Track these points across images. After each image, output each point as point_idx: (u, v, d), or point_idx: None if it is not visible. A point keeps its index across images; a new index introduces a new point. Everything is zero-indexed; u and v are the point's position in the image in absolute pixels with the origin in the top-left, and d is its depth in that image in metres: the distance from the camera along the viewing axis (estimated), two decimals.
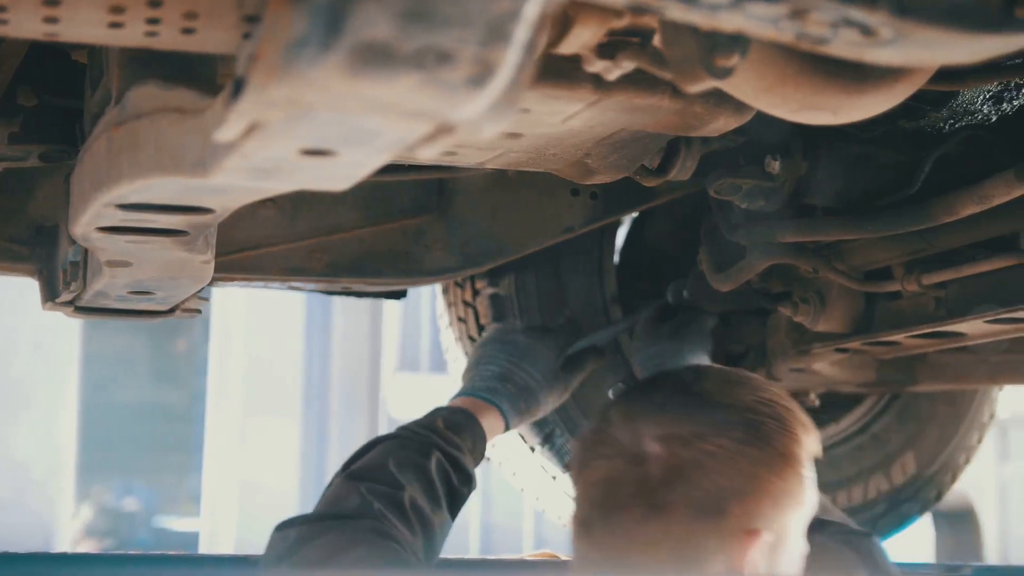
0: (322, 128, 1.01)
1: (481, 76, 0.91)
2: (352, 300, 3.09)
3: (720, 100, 1.51)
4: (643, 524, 1.70)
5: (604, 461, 1.76)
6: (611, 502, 1.74)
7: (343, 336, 8.92)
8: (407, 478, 2.02)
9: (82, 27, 1.13)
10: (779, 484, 1.75)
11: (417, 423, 2.17)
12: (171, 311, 2.07)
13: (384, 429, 8.88)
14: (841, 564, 1.98)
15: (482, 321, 2.91)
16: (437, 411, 2.23)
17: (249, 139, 1.05)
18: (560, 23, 1.23)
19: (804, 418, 1.86)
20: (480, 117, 0.97)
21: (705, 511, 1.70)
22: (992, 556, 8.61)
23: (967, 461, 3.41)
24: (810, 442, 1.84)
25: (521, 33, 0.91)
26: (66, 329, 8.51)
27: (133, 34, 1.15)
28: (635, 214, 3.05)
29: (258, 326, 8.76)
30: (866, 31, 1.03)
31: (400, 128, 1.00)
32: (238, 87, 0.98)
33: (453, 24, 0.87)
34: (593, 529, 1.76)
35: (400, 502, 1.97)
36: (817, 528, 2.02)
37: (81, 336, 8.87)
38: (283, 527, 1.96)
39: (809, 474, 1.82)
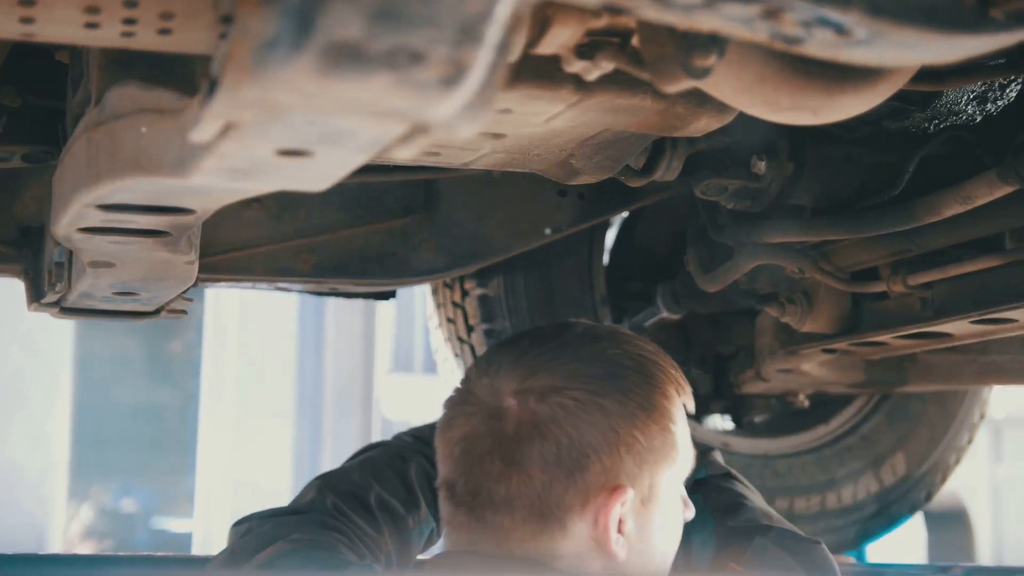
0: (297, 128, 1.01)
1: (454, 76, 0.91)
2: (345, 301, 3.09)
3: (702, 100, 1.51)
4: (502, 481, 1.66)
5: (464, 419, 1.72)
6: (470, 460, 1.69)
7: (336, 337, 8.91)
8: (377, 478, 2.00)
9: (58, 27, 1.13)
10: (641, 439, 1.69)
11: (407, 431, 2.16)
12: (157, 312, 2.08)
13: (377, 430, 8.88)
14: (780, 567, 1.93)
15: (471, 322, 2.91)
16: (432, 422, 2.23)
17: (225, 140, 1.05)
18: (538, 23, 1.23)
19: (677, 375, 1.79)
20: (455, 117, 0.97)
21: (563, 466, 1.65)
22: (985, 556, 8.60)
23: (957, 461, 3.41)
24: (682, 398, 1.78)
25: (493, 34, 0.91)
26: (60, 330, 8.51)
27: (109, 34, 1.15)
28: (625, 214, 3.05)
29: (251, 327, 8.74)
30: (840, 31, 1.03)
31: (375, 128, 1.00)
32: (212, 88, 0.98)
33: (424, 24, 0.87)
34: (456, 490, 1.72)
35: (365, 500, 1.96)
36: (761, 532, 1.98)
37: (75, 337, 8.86)
38: (239, 522, 1.96)
39: (680, 431, 1.76)
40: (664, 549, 1.77)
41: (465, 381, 1.78)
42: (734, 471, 2.19)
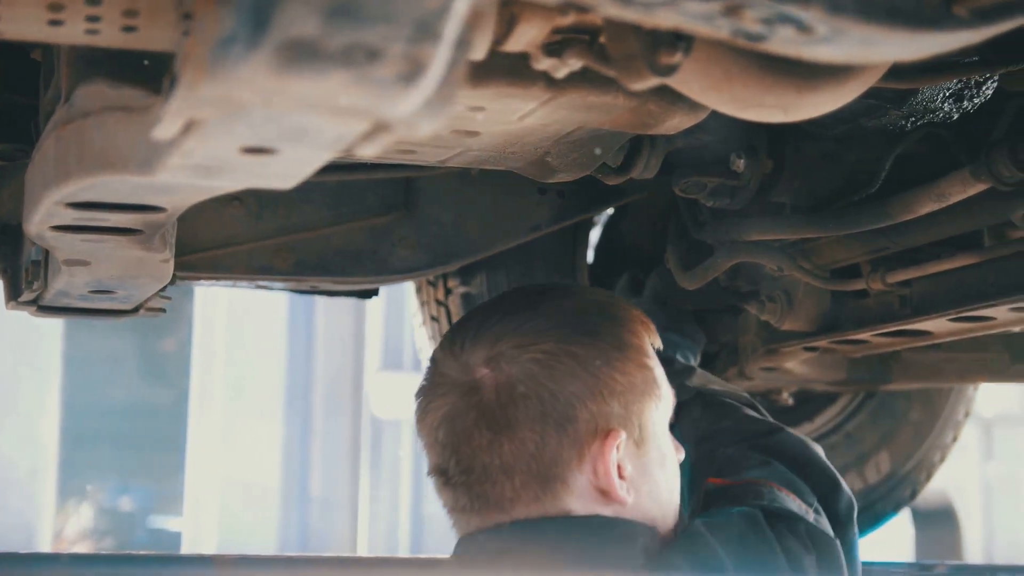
0: (258, 126, 1.01)
1: (412, 73, 0.91)
2: (335, 300, 3.09)
3: (675, 98, 1.51)
4: (494, 451, 1.65)
5: (440, 400, 1.70)
6: (456, 438, 1.68)
7: (326, 335, 8.90)
8: None
9: (22, 24, 1.13)
10: (620, 379, 1.68)
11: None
12: (135, 310, 2.07)
13: (367, 428, 8.87)
14: (748, 466, 1.93)
15: (454, 320, 2.91)
16: None
17: (188, 137, 1.05)
18: (505, 21, 1.23)
19: (639, 314, 1.78)
20: (415, 115, 0.97)
21: (551, 421, 1.64)
22: (976, 555, 8.61)
23: (942, 460, 3.42)
24: (649, 334, 1.77)
25: (452, 30, 0.91)
26: (50, 328, 8.51)
27: (74, 32, 1.15)
28: (610, 212, 3.05)
29: (241, 326, 8.74)
30: (802, 28, 1.03)
31: (336, 126, 1.00)
32: (172, 85, 0.98)
33: (380, 21, 0.87)
34: (449, 473, 1.70)
35: None
36: (724, 443, 2.00)
37: (64, 335, 8.86)
38: None
39: (657, 367, 1.75)
40: (670, 486, 1.76)
41: (432, 365, 1.76)
42: (706, 385, 2.21)
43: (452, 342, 1.75)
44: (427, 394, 1.75)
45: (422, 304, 3.05)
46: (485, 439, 1.66)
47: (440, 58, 0.91)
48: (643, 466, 1.71)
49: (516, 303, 1.76)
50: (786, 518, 1.79)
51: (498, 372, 1.67)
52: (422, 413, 1.75)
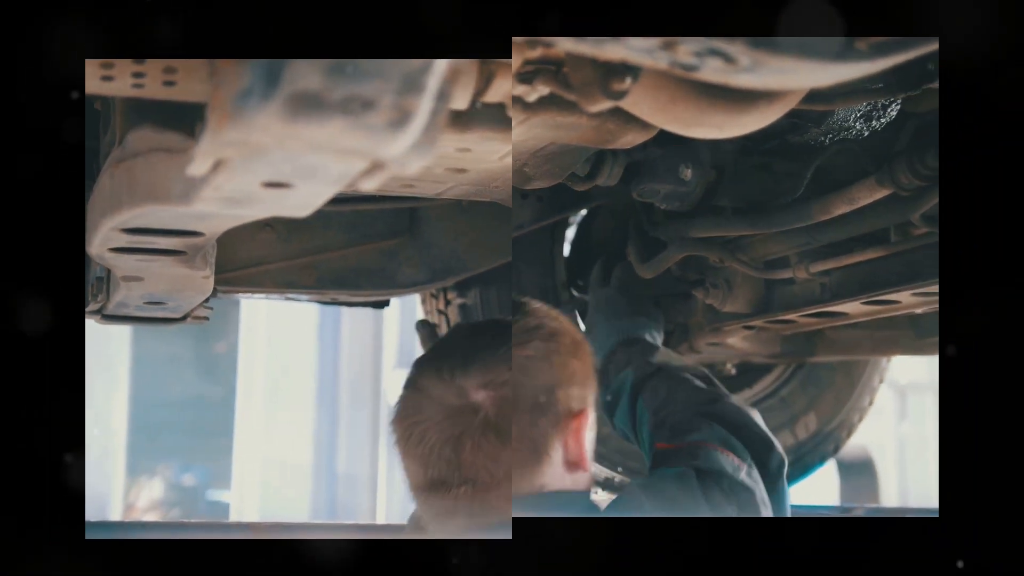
0: (275, 164, 1.01)
1: (400, 120, 0.91)
2: (357, 309, 3.08)
3: (628, 118, 1.48)
4: (502, 454, 1.59)
5: (435, 424, 1.60)
6: (461, 453, 1.58)
7: (350, 340, 8.87)
8: None
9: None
10: (580, 367, 1.73)
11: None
12: (183, 318, 2.07)
13: (384, 418, 8.86)
14: (692, 428, 1.95)
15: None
16: None
17: (217, 174, 1.05)
18: (484, 77, 1.22)
19: (573, 323, 1.84)
20: (405, 155, 0.97)
21: (538, 410, 1.66)
22: (892, 500, 8.62)
23: (860, 420, 3.41)
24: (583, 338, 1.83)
25: (433, 84, 0.91)
26: (120, 334, 8.50)
27: (122, 86, 1.14)
28: (584, 213, 3.02)
29: (279, 332, 8.74)
30: (728, 60, 1.03)
31: (340, 164, 0.99)
32: (202, 130, 0.98)
33: (373, 76, 0.87)
34: (450, 483, 1.60)
35: None
36: (676, 411, 2.02)
37: (131, 340, 8.85)
38: None
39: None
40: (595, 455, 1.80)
41: (417, 393, 1.66)
42: (668, 362, 2.22)
43: (439, 371, 1.64)
44: (419, 420, 1.63)
45: (427, 313, 3.03)
46: (493, 447, 1.59)
47: (424, 107, 0.91)
48: (592, 438, 1.74)
49: (490, 334, 1.72)
50: (714, 474, 1.81)
51: (496, 395, 1.61)
52: (418, 436, 1.63)
